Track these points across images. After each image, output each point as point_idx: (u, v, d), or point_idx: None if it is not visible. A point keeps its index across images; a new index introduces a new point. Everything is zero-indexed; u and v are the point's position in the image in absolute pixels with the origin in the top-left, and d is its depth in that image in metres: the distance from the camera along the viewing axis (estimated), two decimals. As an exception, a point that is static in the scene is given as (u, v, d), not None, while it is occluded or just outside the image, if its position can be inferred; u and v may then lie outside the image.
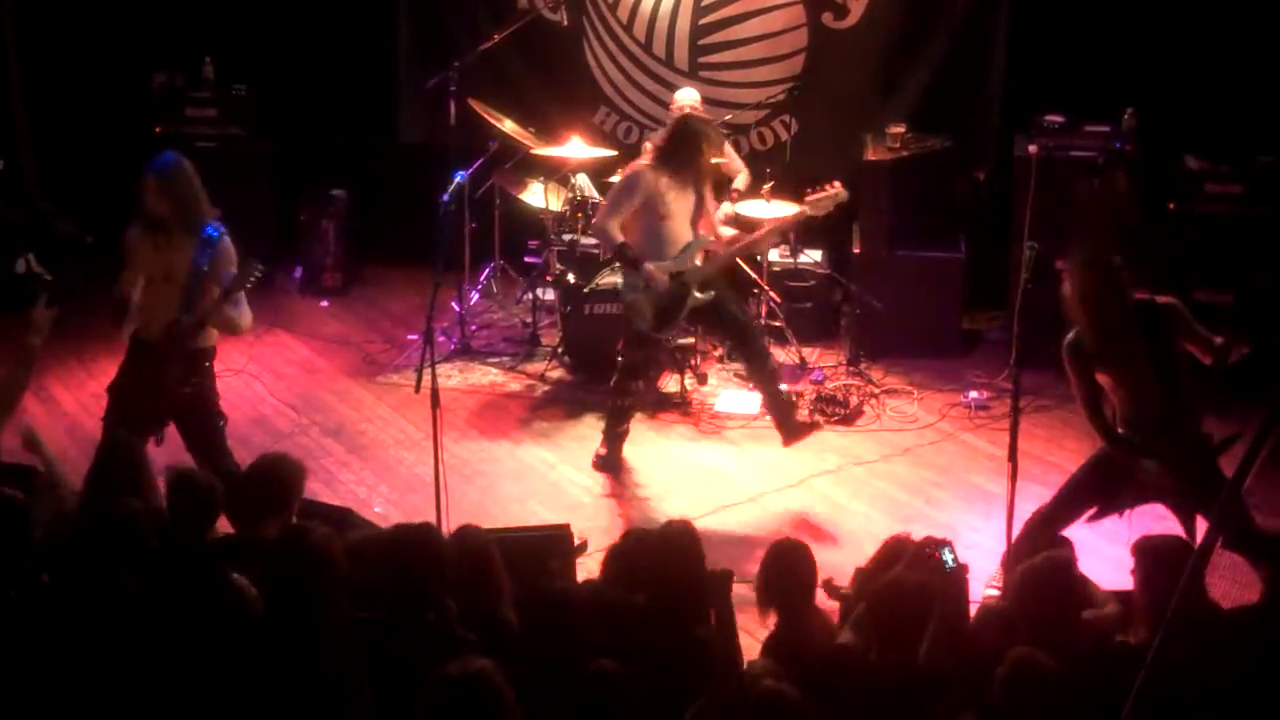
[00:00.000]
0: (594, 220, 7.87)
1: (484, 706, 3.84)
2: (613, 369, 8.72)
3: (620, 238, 7.47)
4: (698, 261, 7.57)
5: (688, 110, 8.68)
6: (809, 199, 7.58)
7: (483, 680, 3.87)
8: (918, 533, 5.29)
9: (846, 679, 4.40)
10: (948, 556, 4.99)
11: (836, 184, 7.54)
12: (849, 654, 4.59)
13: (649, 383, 8.23)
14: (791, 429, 7.74)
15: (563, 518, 6.69)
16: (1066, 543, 5.54)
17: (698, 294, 7.50)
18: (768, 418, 8.26)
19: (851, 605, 5.04)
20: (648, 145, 9.30)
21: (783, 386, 7.89)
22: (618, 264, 8.83)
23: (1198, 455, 5.85)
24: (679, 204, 7.47)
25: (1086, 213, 6.90)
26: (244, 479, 5.45)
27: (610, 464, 7.87)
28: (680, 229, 7.49)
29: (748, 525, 7.29)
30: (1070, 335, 6.01)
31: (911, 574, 4.70)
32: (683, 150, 7.45)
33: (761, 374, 7.71)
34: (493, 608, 4.91)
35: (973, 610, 5.33)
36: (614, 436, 7.88)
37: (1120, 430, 5.99)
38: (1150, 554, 4.97)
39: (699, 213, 7.56)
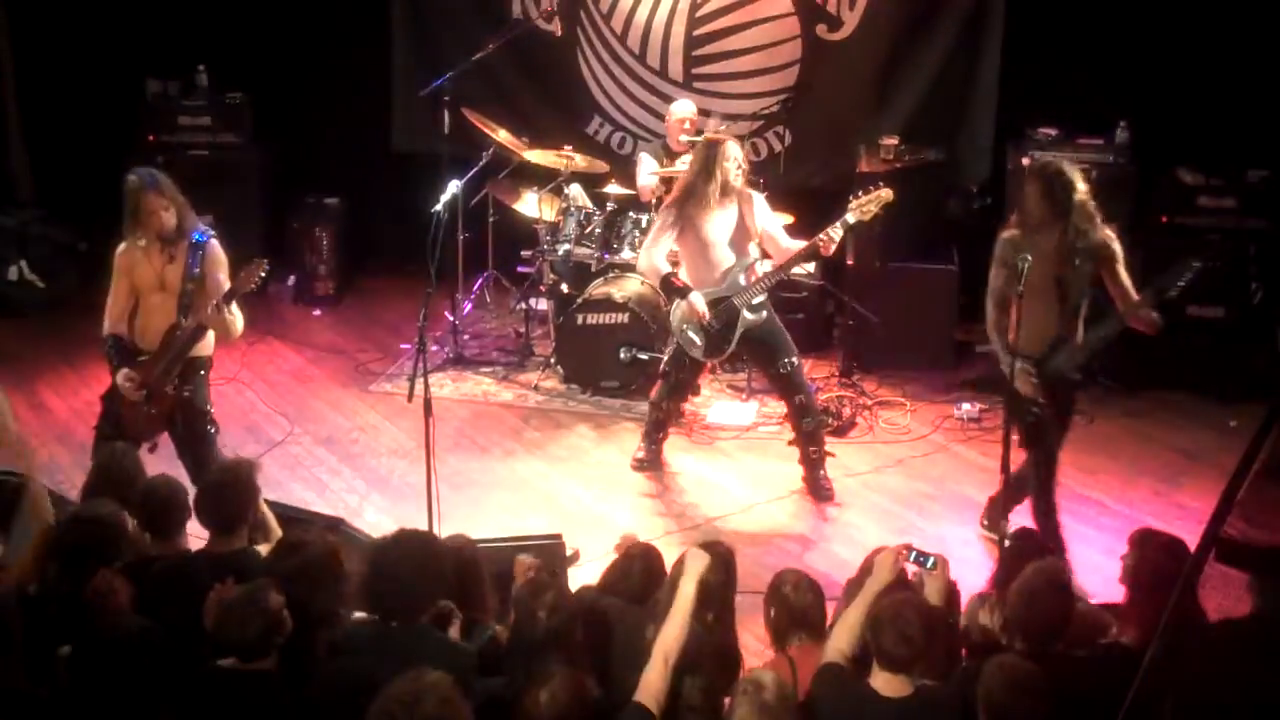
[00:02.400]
0: (640, 256, 7.76)
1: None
2: (605, 378, 8.75)
3: (664, 270, 7.43)
4: (742, 281, 7.41)
5: (689, 125, 8.83)
6: (853, 205, 7.31)
7: (434, 694, 3.85)
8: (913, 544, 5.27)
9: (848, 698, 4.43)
10: (917, 562, 5.02)
11: (882, 186, 7.31)
12: (844, 673, 4.58)
13: (685, 397, 8.26)
14: (814, 483, 7.69)
15: (555, 528, 6.68)
16: (1056, 553, 5.56)
17: (748, 315, 7.40)
18: (761, 430, 8.33)
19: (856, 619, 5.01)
20: (643, 157, 9.35)
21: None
22: (610, 275, 8.87)
23: (1062, 379, 6.42)
24: (719, 229, 7.37)
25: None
26: (200, 497, 5.38)
27: (650, 464, 7.96)
28: (724, 253, 7.40)
29: (740, 536, 7.25)
30: (1012, 229, 6.49)
31: (913, 598, 4.69)
32: (710, 174, 7.31)
33: (799, 426, 7.65)
34: (479, 618, 4.92)
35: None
36: (653, 441, 7.98)
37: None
38: (1145, 546, 5.00)
39: (741, 233, 7.40)
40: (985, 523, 7.16)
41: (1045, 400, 6.42)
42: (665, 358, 7.84)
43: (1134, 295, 6.32)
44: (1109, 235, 6.41)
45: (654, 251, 7.47)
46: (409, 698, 3.84)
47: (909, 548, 5.05)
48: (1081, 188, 6.35)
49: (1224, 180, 8.83)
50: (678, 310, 7.51)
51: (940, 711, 4.39)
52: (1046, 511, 6.64)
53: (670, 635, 4.44)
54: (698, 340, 7.47)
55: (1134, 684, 3.36)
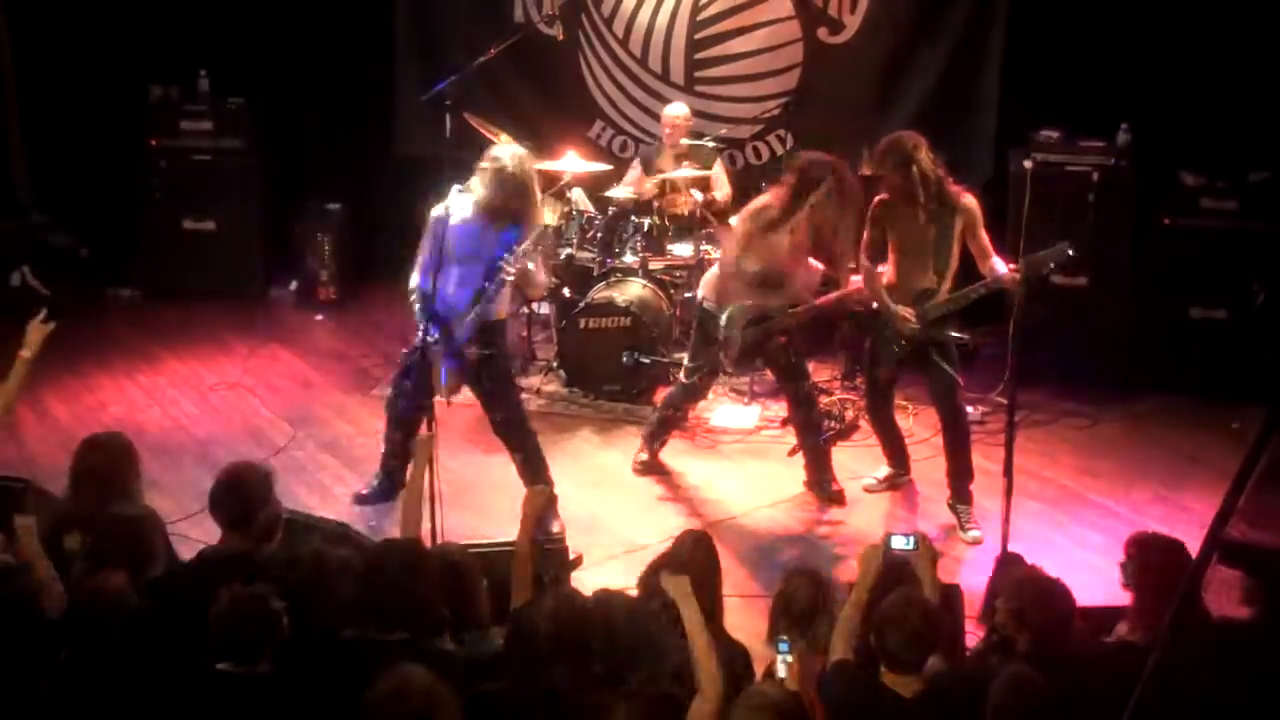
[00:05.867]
0: (723, 256, 7.77)
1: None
2: (607, 382, 8.74)
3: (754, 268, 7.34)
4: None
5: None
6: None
7: (419, 693, 3.86)
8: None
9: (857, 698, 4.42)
10: (897, 544, 5.03)
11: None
12: (857, 672, 4.57)
13: (699, 401, 8.25)
14: (822, 486, 7.70)
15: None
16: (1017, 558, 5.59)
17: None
18: (764, 433, 8.33)
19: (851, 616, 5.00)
20: (637, 162, 9.36)
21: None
22: (612, 279, 8.85)
23: (928, 334, 7.20)
24: (787, 242, 7.32)
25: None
26: (211, 493, 5.36)
27: (652, 467, 7.98)
28: (782, 268, 7.37)
29: (743, 540, 7.27)
30: (882, 195, 7.22)
31: (917, 593, 4.70)
32: (804, 192, 7.21)
33: (804, 421, 7.67)
34: (477, 625, 4.91)
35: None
36: (655, 443, 7.99)
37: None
38: (1146, 549, 5.01)
39: (799, 251, 7.39)
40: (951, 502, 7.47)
41: (906, 343, 7.28)
42: (690, 362, 7.82)
43: (991, 252, 7.08)
44: (970, 201, 7.12)
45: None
46: (393, 694, 3.86)
47: (887, 535, 5.08)
48: (926, 160, 7.04)
49: (1226, 182, 8.84)
50: (731, 317, 7.43)
51: (952, 708, 4.39)
52: (881, 428, 7.76)
53: (706, 669, 4.35)
54: (735, 349, 7.46)
55: (1139, 684, 3.36)
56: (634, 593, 5.15)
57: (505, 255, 6.80)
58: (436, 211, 6.96)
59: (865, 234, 7.32)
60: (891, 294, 7.26)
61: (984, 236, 7.14)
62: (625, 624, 4.63)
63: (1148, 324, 8.99)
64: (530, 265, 6.92)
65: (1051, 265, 6.70)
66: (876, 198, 7.30)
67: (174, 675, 4.48)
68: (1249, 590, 5.06)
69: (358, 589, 4.71)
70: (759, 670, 4.94)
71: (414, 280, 7.07)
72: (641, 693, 4.28)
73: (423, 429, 6.72)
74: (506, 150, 7.05)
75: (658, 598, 4.83)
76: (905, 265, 7.25)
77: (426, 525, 6.08)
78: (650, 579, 5.05)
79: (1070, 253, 6.67)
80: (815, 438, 7.67)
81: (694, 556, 5.11)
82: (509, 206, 6.87)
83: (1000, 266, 7.04)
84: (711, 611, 4.96)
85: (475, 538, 6.03)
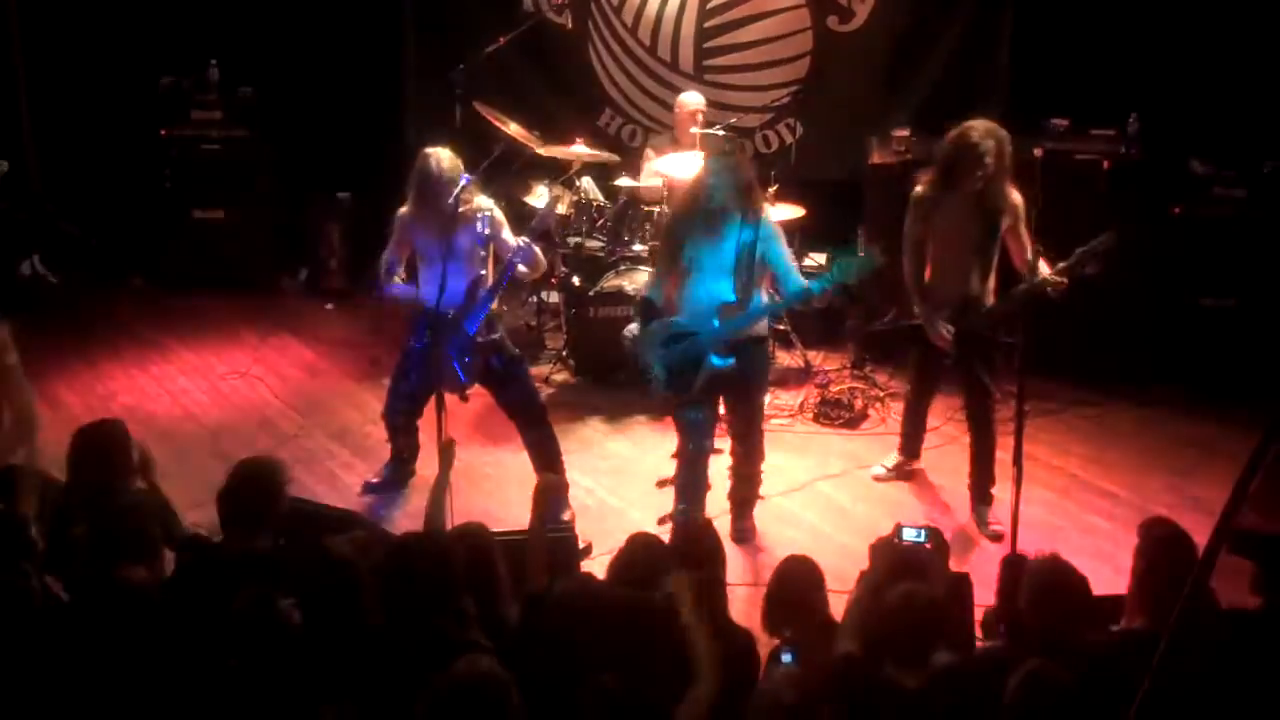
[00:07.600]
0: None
1: (490, 708, 3.83)
2: (616, 371, 8.76)
3: (646, 290, 6.94)
4: (716, 322, 6.56)
5: (695, 111, 8.87)
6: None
7: (489, 682, 3.86)
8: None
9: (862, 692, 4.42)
10: (909, 536, 5.02)
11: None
12: (856, 665, 4.57)
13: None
14: (738, 531, 7.10)
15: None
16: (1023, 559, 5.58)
17: (715, 360, 6.55)
18: (774, 422, 8.32)
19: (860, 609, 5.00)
20: (650, 152, 9.37)
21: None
22: (622, 267, 8.86)
23: (977, 337, 6.91)
24: (707, 254, 6.58)
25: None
26: (224, 492, 5.26)
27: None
28: (705, 284, 6.59)
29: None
30: (920, 188, 6.93)
31: (922, 588, 4.69)
32: (694, 191, 6.70)
33: (737, 469, 7.12)
34: (497, 609, 4.91)
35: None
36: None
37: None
38: (1156, 537, 5.00)
39: (741, 268, 6.48)
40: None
41: (954, 353, 7.02)
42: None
43: (1029, 246, 6.70)
44: (1017, 196, 6.81)
45: (655, 271, 7.12)
46: (464, 683, 3.84)
47: (898, 527, 5.07)
48: (991, 150, 6.72)
49: (1236, 171, 8.82)
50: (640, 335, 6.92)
51: (960, 699, 4.39)
52: (913, 416, 7.61)
53: (703, 660, 4.36)
54: (660, 373, 6.74)
55: (1150, 672, 3.36)
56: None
57: (515, 258, 7.01)
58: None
59: (907, 229, 7.02)
60: (930, 295, 6.99)
61: (1025, 232, 6.81)
62: (626, 614, 4.64)
63: (1158, 313, 8.97)
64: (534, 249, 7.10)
65: (1096, 260, 6.49)
66: (919, 189, 7.01)
67: (187, 669, 4.49)
68: (1258, 579, 5.07)
69: (384, 584, 4.69)
70: (762, 655, 4.93)
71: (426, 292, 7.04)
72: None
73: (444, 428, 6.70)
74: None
75: (660, 589, 4.84)
76: (946, 265, 6.93)
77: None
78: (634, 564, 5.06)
79: (1112, 240, 6.47)
80: (746, 488, 7.12)
81: (699, 545, 5.11)
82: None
83: (1041, 268, 6.58)
84: (716, 600, 4.97)
85: (486, 525, 6.04)
